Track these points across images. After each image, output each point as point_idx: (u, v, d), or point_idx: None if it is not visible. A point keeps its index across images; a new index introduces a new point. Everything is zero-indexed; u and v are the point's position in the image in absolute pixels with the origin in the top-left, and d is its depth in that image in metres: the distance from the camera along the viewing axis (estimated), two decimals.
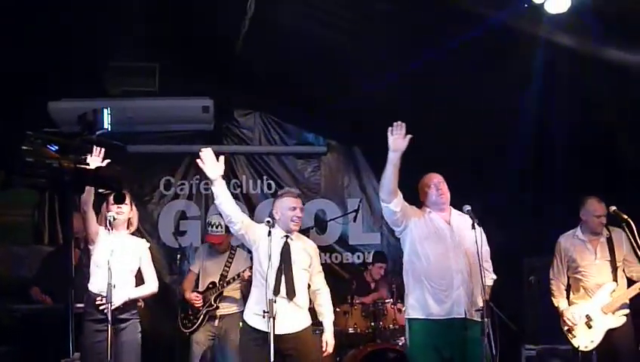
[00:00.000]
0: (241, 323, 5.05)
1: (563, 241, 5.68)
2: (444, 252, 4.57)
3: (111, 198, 4.86)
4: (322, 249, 7.97)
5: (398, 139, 4.42)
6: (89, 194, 4.77)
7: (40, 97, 7.01)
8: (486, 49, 5.39)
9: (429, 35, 5.54)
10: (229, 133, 8.25)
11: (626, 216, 5.03)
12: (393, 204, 4.57)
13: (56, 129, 7.33)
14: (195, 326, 6.02)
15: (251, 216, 6.72)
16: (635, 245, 5.02)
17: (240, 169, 8.23)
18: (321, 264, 7.85)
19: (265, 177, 8.23)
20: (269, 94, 7.94)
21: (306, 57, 6.48)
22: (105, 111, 2.93)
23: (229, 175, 8.14)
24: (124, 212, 5.04)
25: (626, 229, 5.03)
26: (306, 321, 4.91)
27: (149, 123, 7.61)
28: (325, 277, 7.63)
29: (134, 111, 7.21)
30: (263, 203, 7.88)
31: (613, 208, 5.15)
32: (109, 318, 4.53)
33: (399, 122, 4.44)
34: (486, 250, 4.76)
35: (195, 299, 6.01)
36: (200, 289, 6.13)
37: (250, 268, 5.96)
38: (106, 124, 2.93)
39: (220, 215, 6.35)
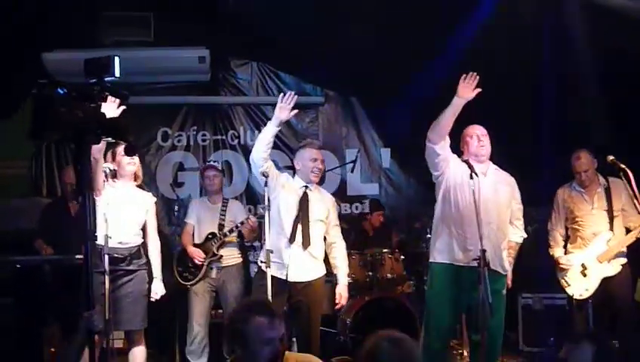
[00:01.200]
0: (256, 268, 5.22)
1: (561, 192, 5.74)
2: (477, 202, 4.55)
3: (120, 149, 4.87)
4: None
5: (466, 87, 4.53)
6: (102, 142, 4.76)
7: (32, 48, 6.92)
8: None
9: None
10: (226, 84, 8.19)
11: (623, 166, 5.04)
12: (439, 147, 4.65)
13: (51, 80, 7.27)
14: (196, 279, 6.05)
15: (249, 167, 6.74)
16: (632, 194, 5.03)
17: (237, 120, 8.19)
18: None
19: (262, 128, 8.15)
20: (266, 44, 7.84)
21: (303, 6, 6.38)
22: (116, 58, 2.90)
23: (226, 126, 8.13)
24: (137, 163, 5.08)
25: (623, 179, 5.04)
26: (320, 271, 5.06)
27: (145, 74, 7.53)
28: None
29: (129, 63, 7.10)
30: None
31: (611, 158, 5.15)
32: (107, 269, 4.58)
33: (474, 73, 4.54)
34: (518, 208, 4.92)
35: (198, 254, 6.04)
36: (197, 241, 6.15)
37: (255, 215, 6.05)
38: (117, 72, 2.90)
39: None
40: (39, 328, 5.71)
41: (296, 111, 4.95)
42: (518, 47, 5.79)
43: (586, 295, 5.48)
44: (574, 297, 5.52)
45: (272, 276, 4.77)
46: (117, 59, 2.88)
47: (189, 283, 6.08)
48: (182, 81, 7.88)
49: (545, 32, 5.69)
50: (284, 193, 4.95)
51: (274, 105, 8.10)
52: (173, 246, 6.51)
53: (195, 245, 6.14)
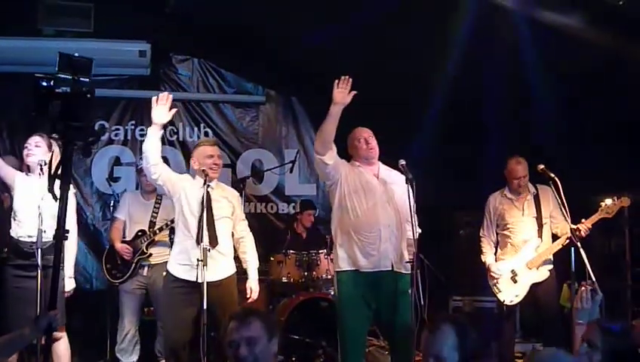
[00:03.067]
0: (164, 273, 5.07)
1: (492, 200, 5.86)
2: (373, 206, 4.63)
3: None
4: (258, 199, 8.04)
5: (341, 93, 4.49)
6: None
7: None
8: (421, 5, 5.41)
9: None
10: (166, 79, 8.08)
11: (552, 175, 5.18)
12: (327, 157, 4.61)
13: None
14: (125, 277, 5.96)
15: (187, 163, 6.72)
16: (559, 202, 5.19)
17: (177, 116, 8.05)
18: (257, 214, 7.99)
19: (202, 125, 8.13)
20: (208, 41, 7.81)
21: (247, 4, 6.38)
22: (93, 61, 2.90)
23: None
24: (34, 154, 4.89)
25: (552, 187, 5.19)
26: (230, 269, 4.96)
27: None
28: (261, 227, 7.68)
29: (68, 53, 6.99)
30: None
31: (541, 166, 5.28)
32: (39, 264, 4.50)
33: (346, 76, 4.50)
34: (412, 203, 4.78)
35: (126, 251, 5.95)
36: (128, 238, 6.07)
37: None
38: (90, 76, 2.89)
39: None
40: None
41: (175, 110, 4.83)
42: (463, 52, 5.90)
43: (516, 300, 5.60)
44: (505, 303, 5.64)
45: (181, 278, 4.73)
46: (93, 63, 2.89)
47: (117, 281, 5.99)
48: (121, 74, 7.75)
49: (490, 39, 5.82)
50: (185, 195, 4.84)
51: (214, 102, 8.22)
52: (106, 242, 6.42)
53: (124, 242, 6.05)
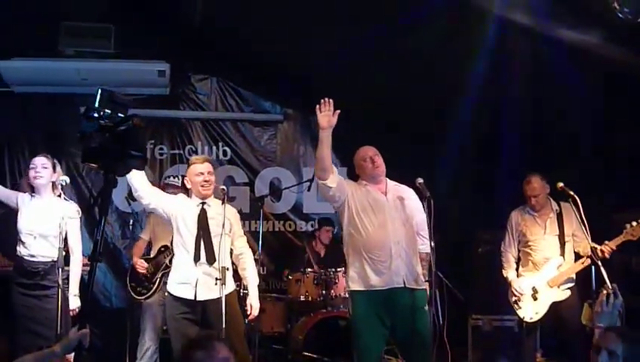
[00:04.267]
0: (165, 294, 5.06)
1: (514, 215, 5.82)
2: (382, 223, 4.60)
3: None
4: (277, 217, 8.04)
5: (325, 117, 4.44)
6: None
7: None
8: (437, 24, 5.42)
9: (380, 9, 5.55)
10: (185, 98, 8.15)
11: (572, 193, 5.14)
12: (330, 181, 4.58)
13: (7, 88, 7.21)
14: (150, 292, 5.97)
15: None
16: (579, 220, 5.15)
17: (195, 135, 8.16)
18: (276, 232, 7.98)
19: (220, 143, 8.17)
20: (227, 60, 7.88)
21: (265, 24, 6.43)
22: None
23: (184, 140, 8.10)
24: (43, 176, 4.94)
25: (572, 205, 5.15)
26: (230, 286, 4.91)
27: (104, 85, 7.46)
28: (279, 246, 7.69)
29: (88, 73, 7.10)
30: (218, 169, 7.83)
31: (561, 184, 5.24)
32: (60, 283, 4.53)
33: (326, 99, 4.44)
34: (422, 218, 4.79)
35: (140, 265, 5.97)
36: (152, 256, 6.09)
37: None
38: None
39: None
40: None
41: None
42: (478, 71, 5.90)
43: (536, 318, 5.56)
44: (525, 320, 5.59)
45: (182, 298, 4.74)
46: None
47: (143, 298, 6.01)
48: (140, 93, 7.82)
49: (502, 58, 5.81)
50: (181, 214, 4.86)
51: (233, 121, 8.27)
52: (126, 260, 6.45)
53: (148, 260, 6.08)
